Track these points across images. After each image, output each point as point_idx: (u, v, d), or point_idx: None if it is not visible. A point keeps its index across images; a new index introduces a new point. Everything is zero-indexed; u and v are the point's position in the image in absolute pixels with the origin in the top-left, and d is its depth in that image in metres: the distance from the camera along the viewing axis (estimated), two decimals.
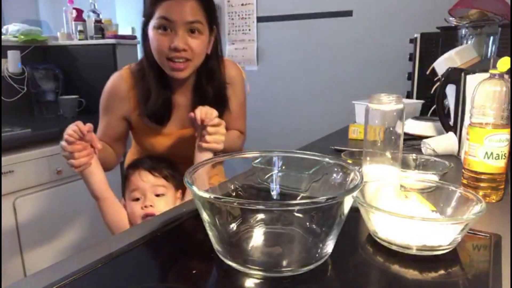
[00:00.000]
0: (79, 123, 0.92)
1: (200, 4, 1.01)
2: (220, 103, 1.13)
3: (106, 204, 1.00)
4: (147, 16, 1.03)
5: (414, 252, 0.56)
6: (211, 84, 1.12)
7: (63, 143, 0.92)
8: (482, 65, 1.11)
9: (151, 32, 1.02)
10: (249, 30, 2.55)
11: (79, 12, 2.35)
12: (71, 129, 0.91)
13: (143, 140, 1.16)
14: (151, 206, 0.98)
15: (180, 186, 1.07)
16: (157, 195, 1.01)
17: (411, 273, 0.52)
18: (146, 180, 1.00)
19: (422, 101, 1.57)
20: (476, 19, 1.34)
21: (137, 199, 1.00)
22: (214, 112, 0.98)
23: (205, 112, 0.96)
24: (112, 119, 1.13)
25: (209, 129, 0.97)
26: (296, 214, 0.57)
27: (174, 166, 1.07)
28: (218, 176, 1.24)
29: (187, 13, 0.98)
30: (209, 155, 1.02)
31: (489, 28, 1.33)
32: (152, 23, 1.01)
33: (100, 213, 1.01)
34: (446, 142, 1.08)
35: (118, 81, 1.12)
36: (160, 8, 0.99)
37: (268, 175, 0.69)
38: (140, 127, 1.14)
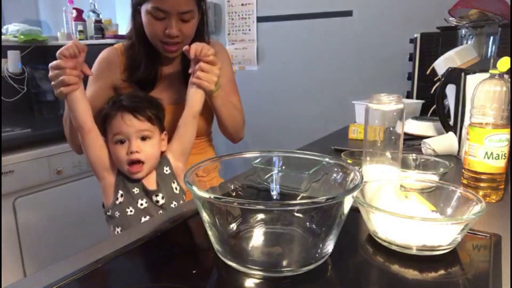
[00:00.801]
0: (76, 40, 0.92)
1: None
2: None
3: (91, 137, 0.95)
4: None
5: (414, 252, 0.56)
6: None
7: (53, 63, 0.89)
8: (482, 65, 1.11)
9: (144, 15, 1.04)
10: (249, 30, 2.55)
11: (79, 12, 2.35)
12: (68, 45, 0.89)
13: None
14: (137, 152, 0.93)
15: (163, 127, 1.04)
16: (143, 138, 0.96)
17: (411, 273, 0.52)
18: (130, 124, 0.94)
19: (422, 101, 1.57)
20: (476, 19, 1.33)
21: (121, 142, 0.95)
22: (211, 50, 0.99)
23: (201, 47, 0.97)
24: (100, 87, 1.13)
25: (203, 65, 0.98)
26: (296, 214, 0.57)
27: (157, 105, 1.02)
28: (214, 171, 1.24)
29: (180, 3, 1.01)
30: (200, 94, 1.02)
31: (489, 28, 1.33)
32: (145, 7, 1.03)
33: (84, 148, 0.97)
34: (446, 142, 1.08)
35: (111, 50, 1.15)
36: None
37: (268, 175, 0.70)
38: None
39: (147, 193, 0.96)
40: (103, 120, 0.97)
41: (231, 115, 1.18)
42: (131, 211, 0.94)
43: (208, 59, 0.98)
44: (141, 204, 0.95)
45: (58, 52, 0.89)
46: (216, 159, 0.71)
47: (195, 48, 0.97)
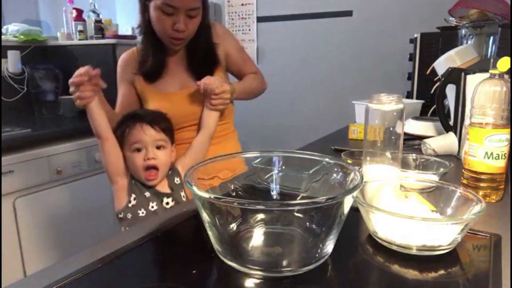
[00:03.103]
0: (89, 68, 1.00)
1: None
2: (211, 59, 1.24)
3: (108, 145, 1.03)
4: None
5: (414, 252, 0.56)
6: (201, 44, 1.22)
7: (70, 80, 0.99)
8: (482, 65, 1.11)
9: (153, 11, 1.11)
10: (249, 30, 2.55)
11: (79, 12, 2.35)
12: (81, 71, 0.99)
13: (149, 107, 1.23)
14: (153, 158, 1.02)
15: (174, 140, 1.13)
16: (158, 148, 1.04)
17: (411, 273, 0.52)
18: (149, 134, 1.03)
19: (422, 101, 1.57)
20: (476, 19, 1.33)
21: (138, 150, 1.03)
22: (215, 83, 1.11)
23: (209, 83, 1.10)
24: (125, 88, 1.25)
25: (213, 96, 1.11)
26: (296, 214, 0.57)
27: (168, 120, 1.12)
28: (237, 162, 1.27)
29: (189, 0, 1.09)
30: (215, 115, 1.16)
31: (489, 28, 1.33)
32: (155, 2, 1.10)
33: (101, 154, 1.06)
34: (446, 142, 1.08)
35: (128, 52, 1.27)
36: None
37: (268, 175, 0.69)
38: (144, 91, 1.23)
39: (159, 196, 1.04)
40: (122, 131, 1.05)
41: (252, 93, 1.34)
42: (142, 212, 1.02)
43: (214, 93, 1.10)
44: (152, 207, 1.03)
45: (74, 75, 0.99)
46: (216, 159, 0.71)
47: (203, 84, 1.10)
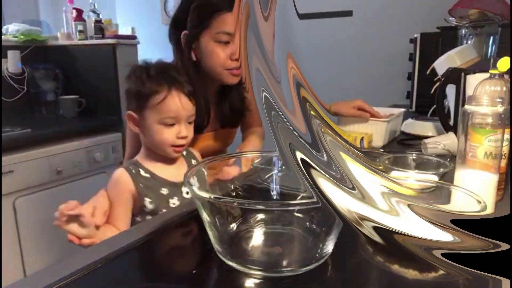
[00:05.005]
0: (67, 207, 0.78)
1: None
2: (242, 104, 1.18)
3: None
4: (201, 27, 1.01)
5: None
6: (236, 87, 1.14)
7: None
8: (482, 65, 1.11)
9: (207, 45, 1.02)
10: None
11: (79, 12, 2.35)
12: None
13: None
14: (186, 137, 0.90)
15: None
16: (189, 123, 0.91)
17: (411, 273, 0.52)
18: (186, 108, 0.87)
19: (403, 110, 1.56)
20: (476, 19, 1.33)
21: (170, 125, 0.87)
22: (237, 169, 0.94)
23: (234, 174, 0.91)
24: None
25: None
26: (296, 214, 0.57)
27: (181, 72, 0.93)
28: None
29: None
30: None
31: (489, 28, 1.33)
32: (208, 35, 1.01)
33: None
34: (446, 142, 1.08)
35: None
36: (219, 21, 0.99)
37: (268, 175, 0.70)
38: None
39: (177, 187, 0.92)
40: (150, 94, 0.86)
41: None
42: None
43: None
44: (173, 204, 0.90)
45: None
46: (216, 159, 0.71)
47: (229, 175, 0.88)
